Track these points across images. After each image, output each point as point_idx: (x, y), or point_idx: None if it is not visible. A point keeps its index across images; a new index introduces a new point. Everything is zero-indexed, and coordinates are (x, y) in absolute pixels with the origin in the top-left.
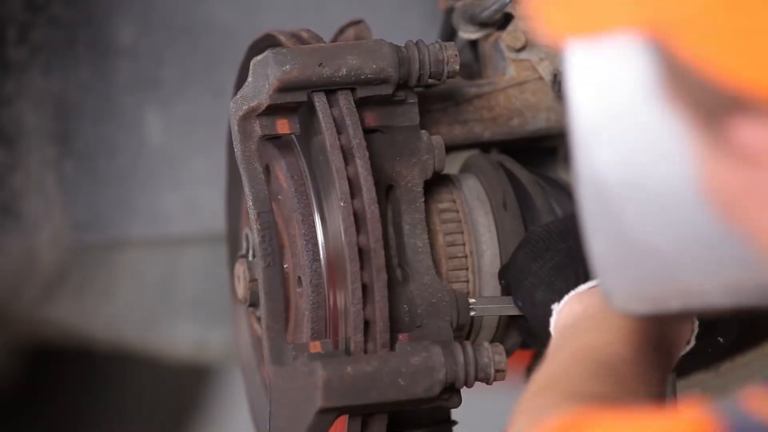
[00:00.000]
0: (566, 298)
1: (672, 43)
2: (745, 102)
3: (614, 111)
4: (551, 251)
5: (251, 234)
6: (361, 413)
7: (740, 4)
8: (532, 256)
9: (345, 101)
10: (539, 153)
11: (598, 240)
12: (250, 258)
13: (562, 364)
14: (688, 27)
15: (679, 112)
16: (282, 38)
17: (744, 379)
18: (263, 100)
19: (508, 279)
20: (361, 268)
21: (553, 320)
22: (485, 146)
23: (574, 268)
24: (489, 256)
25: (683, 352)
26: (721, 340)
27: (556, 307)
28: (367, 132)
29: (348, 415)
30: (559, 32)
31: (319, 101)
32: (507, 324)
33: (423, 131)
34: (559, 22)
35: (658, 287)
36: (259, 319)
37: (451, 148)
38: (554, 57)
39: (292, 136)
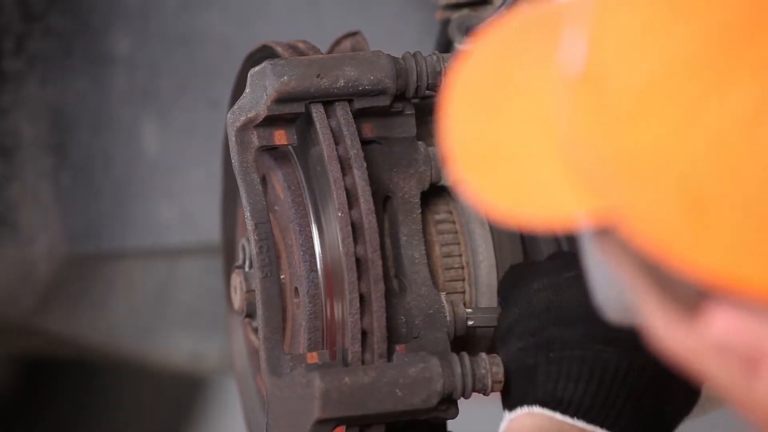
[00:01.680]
0: (518, 411)
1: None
2: (712, 292)
3: None
4: (536, 338)
5: (248, 245)
6: (359, 424)
7: (698, 197)
8: (518, 333)
9: (343, 112)
10: None
11: (593, 259)
12: (247, 269)
13: None
14: (644, 219)
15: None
16: (279, 49)
17: None
18: (261, 111)
19: (500, 321)
20: (359, 278)
21: (502, 427)
22: None
23: (544, 377)
24: (485, 267)
25: None
26: None
27: (506, 416)
28: (365, 143)
29: (345, 425)
30: (498, 208)
31: (317, 112)
32: None
33: (420, 142)
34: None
35: None
36: (255, 329)
37: None
38: None
39: (290, 147)
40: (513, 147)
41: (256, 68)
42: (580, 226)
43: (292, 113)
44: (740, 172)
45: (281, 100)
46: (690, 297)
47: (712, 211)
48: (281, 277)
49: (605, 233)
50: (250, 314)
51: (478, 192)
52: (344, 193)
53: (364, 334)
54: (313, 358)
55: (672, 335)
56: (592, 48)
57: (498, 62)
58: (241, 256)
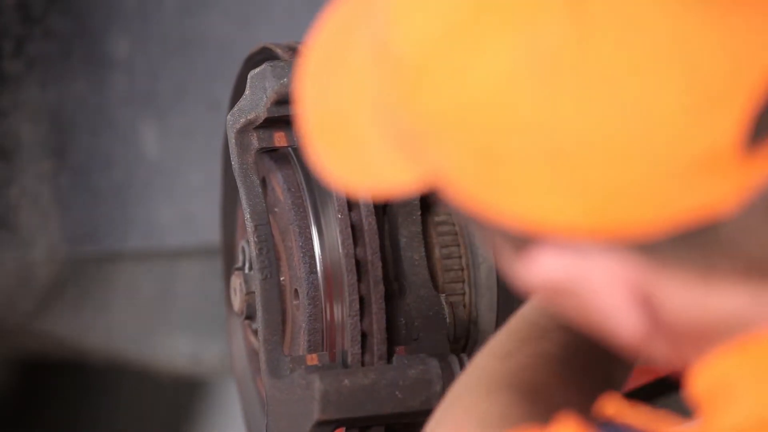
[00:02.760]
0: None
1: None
2: (528, 236)
3: None
4: None
5: (248, 246)
6: (358, 426)
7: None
8: None
9: None
10: None
11: None
12: (247, 271)
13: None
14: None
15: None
16: (278, 51)
17: None
18: (261, 112)
19: None
20: (359, 280)
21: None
22: None
23: None
24: (485, 268)
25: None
26: None
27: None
28: None
29: (345, 427)
30: (339, 178)
31: None
32: None
33: None
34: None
35: None
36: (255, 331)
37: None
38: None
39: (290, 148)
40: (345, 117)
41: (256, 70)
42: (407, 192)
43: (292, 115)
44: (515, 124)
45: (281, 101)
46: (516, 240)
47: (503, 164)
48: (281, 278)
49: (436, 193)
50: (250, 316)
51: (320, 160)
52: (344, 194)
53: (363, 335)
54: (312, 359)
55: (514, 273)
56: (389, 19)
57: (338, 31)
58: (240, 257)
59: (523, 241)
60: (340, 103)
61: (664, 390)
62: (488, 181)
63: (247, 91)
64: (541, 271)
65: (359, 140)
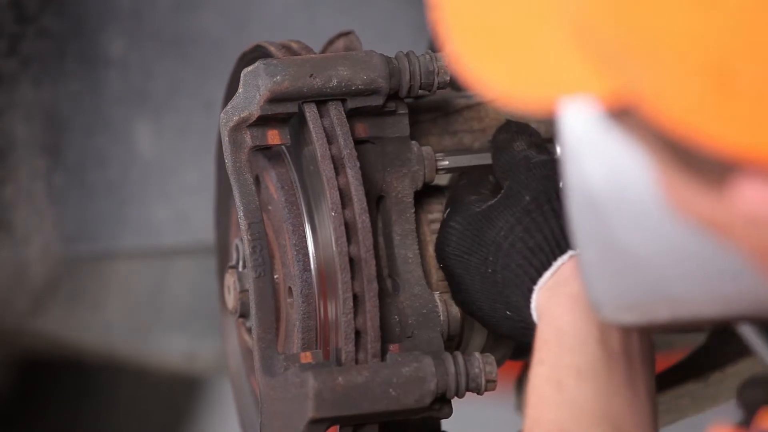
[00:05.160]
0: (540, 282)
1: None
2: (742, 164)
3: (601, 126)
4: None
5: (241, 245)
6: (352, 423)
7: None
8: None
9: (336, 112)
10: None
11: (589, 250)
12: (240, 269)
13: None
14: (665, 98)
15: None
16: (272, 49)
17: (734, 389)
18: (254, 110)
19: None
20: (352, 278)
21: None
22: None
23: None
24: None
25: None
26: None
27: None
28: (358, 143)
29: (339, 425)
30: (502, 90)
31: (310, 112)
32: (497, 335)
33: (413, 142)
34: (502, 79)
35: (646, 297)
36: (249, 330)
37: None
38: None
39: (283, 146)
40: (516, 25)
41: (249, 68)
42: (593, 105)
43: (285, 113)
44: (764, 45)
45: (274, 99)
46: (715, 170)
47: (737, 86)
48: (275, 276)
49: (623, 112)
50: (244, 314)
51: (478, 72)
52: (337, 192)
53: (357, 333)
54: (306, 357)
55: (698, 208)
56: None
57: None
58: (234, 256)
59: (725, 170)
60: (507, 7)
61: (678, 378)
62: (712, 104)
63: (240, 89)
64: (744, 202)
65: (536, 48)
